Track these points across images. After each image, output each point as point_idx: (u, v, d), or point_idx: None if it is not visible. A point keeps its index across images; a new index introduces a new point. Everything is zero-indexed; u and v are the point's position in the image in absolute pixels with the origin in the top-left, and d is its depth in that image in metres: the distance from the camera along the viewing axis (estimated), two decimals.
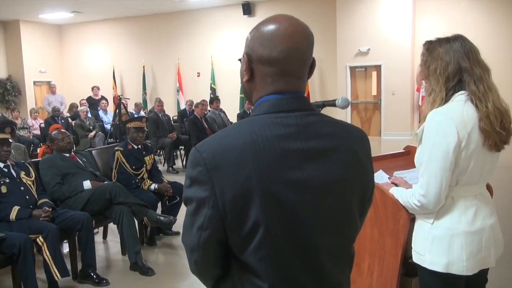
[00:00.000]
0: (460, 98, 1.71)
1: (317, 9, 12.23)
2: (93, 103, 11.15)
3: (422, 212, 1.77)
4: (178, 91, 14.30)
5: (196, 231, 1.00)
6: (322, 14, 12.34)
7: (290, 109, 1.02)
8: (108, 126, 9.90)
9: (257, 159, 0.95)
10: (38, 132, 9.12)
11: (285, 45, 1.02)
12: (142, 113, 10.09)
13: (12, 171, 3.51)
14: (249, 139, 0.97)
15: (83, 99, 11.15)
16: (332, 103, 1.93)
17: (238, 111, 12.05)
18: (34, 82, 15.10)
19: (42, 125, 9.24)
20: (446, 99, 1.74)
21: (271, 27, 1.04)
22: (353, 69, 11.89)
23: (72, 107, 10.47)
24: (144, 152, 4.59)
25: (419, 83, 2.00)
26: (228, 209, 0.96)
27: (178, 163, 8.73)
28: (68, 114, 10.19)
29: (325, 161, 1.01)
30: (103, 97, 11.77)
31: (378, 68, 11.61)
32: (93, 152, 4.56)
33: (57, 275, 3.21)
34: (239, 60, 1.11)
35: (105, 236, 4.65)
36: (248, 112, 9.07)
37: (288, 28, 1.03)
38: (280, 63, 1.02)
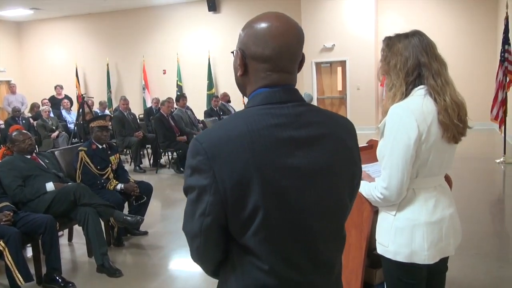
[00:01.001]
0: (419, 93, 1.76)
1: (282, 5, 12.27)
2: (56, 102, 10.85)
3: (385, 205, 1.81)
4: (144, 89, 14.10)
5: (198, 217, 1.05)
6: (286, 10, 12.31)
7: (282, 100, 1.08)
8: (71, 126, 9.67)
9: (253, 147, 1.01)
10: None
11: (276, 43, 1.08)
12: (107, 111, 9.90)
13: None
14: (244, 128, 1.03)
15: (45, 99, 10.83)
16: None
17: (205, 108, 12.00)
18: None
19: (2, 126, 8.93)
20: (406, 94, 1.78)
21: (263, 25, 1.09)
22: (318, 65, 12.02)
23: (34, 107, 10.17)
24: (109, 152, 4.51)
25: (381, 78, 2.04)
26: (229, 195, 1.01)
27: (145, 162, 8.62)
28: (29, 114, 9.88)
29: (316, 148, 1.07)
30: (66, 96, 11.47)
31: (343, 63, 11.78)
32: (56, 152, 4.44)
33: (20, 281, 3.12)
34: (232, 52, 1.17)
35: (70, 238, 4.55)
36: (215, 109, 9.04)
37: (279, 27, 1.09)
38: (272, 60, 1.09)
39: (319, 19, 11.68)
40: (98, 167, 4.36)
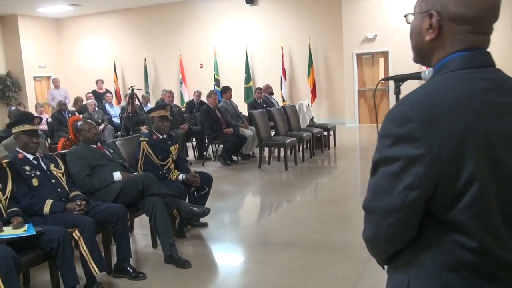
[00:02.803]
0: None
1: None
2: (98, 96, 10.94)
3: None
4: (181, 83, 14.13)
5: (402, 191, 0.97)
6: (327, 1, 12.18)
7: (482, 64, 1.02)
8: (115, 119, 9.74)
9: (468, 113, 0.95)
10: (45, 127, 8.92)
11: (483, 2, 1.01)
12: (149, 105, 9.91)
13: (42, 163, 3.37)
14: (455, 93, 0.97)
15: (89, 93, 10.96)
16: (417, 76, 1.81)
17: (243, 102, 11.94)
18: (34, 78, 14.87)
19: (49, 119, 9.06)
20: None
21: None
22: (359, 56, 11.77)
23: (77, 101, 10.28)
24: (169, 142, 4.46)
25: None
26: (444, 166, 0.94)
27: (190, 155, 8.58)
28: (73, 108, 9.99)
29: None
30: (107, 90, 11.58)
31: (385, 54, 11.49)
32: (117, 143, 4.42)
33: (95, 270, 3.08)
34: (405, 16, 1.12)
35: (131, 229, 4.52)
36: (259, 101, 8.94)
37: None
38: (475, 20, 1.01)
39: (360, 9, 11.42)
40: (160, 158, 4.31)
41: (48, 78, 15.21)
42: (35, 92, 14.81)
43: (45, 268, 3.51)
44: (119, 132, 8.58)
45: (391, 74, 11.44)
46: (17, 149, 3.35)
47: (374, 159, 1.03)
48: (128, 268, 3.46)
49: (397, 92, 1.85)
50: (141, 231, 4.47)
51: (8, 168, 3.13)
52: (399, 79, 1.85)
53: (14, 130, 3.33)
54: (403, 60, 11.20)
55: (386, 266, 1.16)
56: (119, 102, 13.73)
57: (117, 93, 14.26)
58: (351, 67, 11.78)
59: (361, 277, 3.25)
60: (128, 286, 3.34)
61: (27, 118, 3.42)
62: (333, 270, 3.42)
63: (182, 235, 4.28)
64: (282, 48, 12.71)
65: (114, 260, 3.51)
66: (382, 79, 2.19)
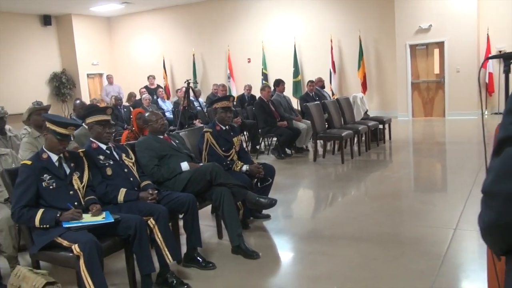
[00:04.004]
0: None
1: None
2: (150, 92, 11.16)
3: None
4: (229, 77, 14.18)
5: None
6: None
7: None
8: (167, 114, 9.88)
9: None
10: None
11: None
12: (201, 100, 10.00)
13: (114, 153, 3.42)
14: None
15: (143, 88, 11.19)
16: None
17: (292, 96, 11.82)
18: (88, 75, 15.35)
19: None
20: None
21: None
22: (413, 47, 11.40)
23: (131, 96, 10.51)
24: (231, 133, 4.45)
25: None
26: None
27: None
28: (127, 104, 10.21)
29: None
30: (159, 86, 11.79)
31: (440, 45, 11.08)
32: (180, 134, 4.45)
33: (169, 258, 3.10)
34: None
35: None
36: (311, 94, 8.82)
37: None
38: None
39: None
40: (223, 149, 4.31)
41: (100, 75, 15.67)
42: (88, 89, 15.30)
43: (117, 256, 3.59)
44: (171, 127, 8.71)
45: (447, 65, 11.03)
46: (91, 139, 3.42)
47: (498, 137, 0.90)
48: (198, 258, 3.47)
49: (507, 71, 1.73)
50: (204, 223, 4.47)
51: (84, 157, 3.20)
52: (509, 57, 1.73)
53: (88, 120, 3.40)
54: (459, 50, 10.80)
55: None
56: (168, 98, 13.95)
57: (166, 89, 14.49)
58: (404, 59, 11.44)
59: (439, 272, 3.11)
60: (198, 275, 3.34)
61: (100, 108, 3.49)
62: (407, 264, 3.29)
63: (246, 226, 4.25)
64: (331, 41, 12.50)
65: (183, 250, 3.53)
66: (488, 57, 2.05)
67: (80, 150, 3.26)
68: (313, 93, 8.83)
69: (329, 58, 12.59)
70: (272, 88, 8.21)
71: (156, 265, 3.09)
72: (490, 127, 9.76)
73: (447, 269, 3.18)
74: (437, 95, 11.35)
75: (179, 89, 11.26)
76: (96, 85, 15.65)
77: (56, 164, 2.98)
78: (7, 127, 4.67)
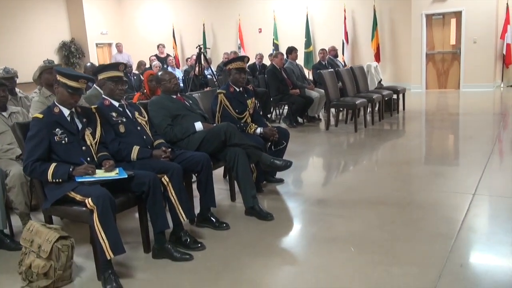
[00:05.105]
0: None
1: None
2: (160, 60, 11.00)
3: None
4: (239, 48, 13.97)
5: None
6: None
7: None
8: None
9: None
10: None
11: None
12: (211, 68, 9.86)
13: (127, 111, 3.34)
14: None
15: (153, 56, 11.05)
16: None
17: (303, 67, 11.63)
18: (97, 44, 15.20)
19: None
20: None
21: None
22: (429, 16, 11.11)
23: (141, 65, 10.38)
24: (245, 95, 4.34)
25: None
26: None
27: None
28: (136, 72, 10.09)
29: None
30: (168, 55, 11.64)
31: (458, 14, 10.78)
32: (194, 95, 4.35)
33: (182, 217, 3.03)
34: None
35: None
36: (324, 62, 8.64)
37: None
38: None
39: None
40: (237, 111, 4.21)
41: (109, 45, 15.52)
42: (97, 59, 15.15)
43: (130, 216, 3.56)
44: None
45: (463, 36, 10.75)
46: (104, 95, 3.33)
47: None
48: (212, 218, 3.42)
49: None
50: (216, 186, 4.40)
51: (97, 114, 3.11)
52: None
53: (100, 76, 3.31)
54: (477, 20, 10.50)
55: None
56: (177, 67, 13.80)
57: (176, 58, 14.31)
58: (419, 29, 11.16)
59: (459, 236, 3.03)
60: (211, 235, 3.30)
61: (113, 64, 3.39)
62: (426, 227, 3.22)
63: (259, 190, 4.18)
64: (344, 10, 12.22)
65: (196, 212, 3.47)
66: None
67: (93, 106, 3.18)
68: (326, 61, 8.65)
69: (342, 28, 12.32)
70: (285, 55, 8.04)
71: (170, 224, 3.04)
72: (506, 100, 9.56)
73: (467, 232, 3.10)
74: (452, 66, 11.10)
75: (189, 58, 11.12)
76: (105, 55, 15.50)
77: (68, 118, 2.90)
78: (17, 89, 4.61)
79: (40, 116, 2.82)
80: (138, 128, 3.32)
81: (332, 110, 7.33)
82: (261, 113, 7.96)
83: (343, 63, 11.38)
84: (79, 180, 2.72)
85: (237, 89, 4.27)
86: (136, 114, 3.38)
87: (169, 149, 3.28)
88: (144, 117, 3.45)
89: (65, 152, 2.82)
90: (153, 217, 2.91)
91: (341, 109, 7.49)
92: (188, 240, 3.05)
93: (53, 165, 2.74)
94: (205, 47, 14.20)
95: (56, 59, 14.46)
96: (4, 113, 3.64)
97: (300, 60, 12.48)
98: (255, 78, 8.75)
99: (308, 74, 10.20)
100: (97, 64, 14.48)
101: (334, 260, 2.79)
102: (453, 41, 10.96)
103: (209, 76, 8.94)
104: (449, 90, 11.14)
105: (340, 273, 2.62)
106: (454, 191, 3.99)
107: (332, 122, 7.32)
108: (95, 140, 3.01)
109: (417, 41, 11.22)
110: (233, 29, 14.16)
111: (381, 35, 12.00)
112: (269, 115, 8.03)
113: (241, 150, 3.56)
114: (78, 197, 2.66)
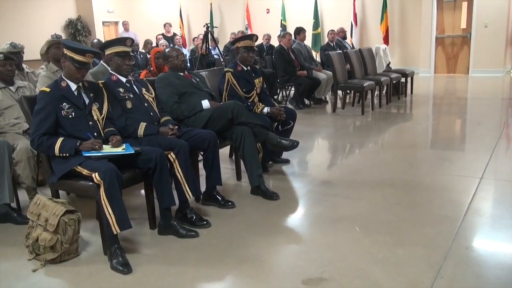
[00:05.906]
0: None
1: None
2: (167, 40, 10.92)
3: None
4: (246, 29, 13.84)
5: None
6: None
7: None
8: None
9: None
10: None
11: None
12: (217, 49, 9.77)
13: (134, 87, 3.31)
14: None
15: (159, 34, 10.97)
16: None
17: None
18: (103, 23, 15.09)
19: None
20: None
21: None
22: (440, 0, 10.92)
23: (147, 43, 10.30)
24: (253, 74, 4.30)
25: None
26: None
27: None
28: (143, 51, 10.03)
29: None
30: (175, 34, 11.55)
31: None
32: (201, 73, 4.31)
33: (189, 194, 3.03)
34: None
35: None
36: (332, 44, 8.54)
37: None
38: None
39: None
40: (244, 90, 4.18)
41: (116, 23, 15.41)
42: (104, 37, 15.05)
43: (135, 193, 3.56)
44: None
45: (474, 20, 10.59)
46: (110, 71, 3.31)
47: None
48: (217, 196, 3.42)
49: None
50: (222, 165, 4.39)
51: (104, 89, 3.09)
52: None
53: (108, 52, 3.27)
54: (489, 4, 10.32)
55: None
56: (184, 47, 13.71)
57: (182, 38, 14.20)
58: (430, 12, 10.99)
59: (465, 218, 3.02)
60: (217, 213, 3.31)
61: (120, 39, 3.35)
62: (432, 209, 3.21)
63: (265, 169, 4.18)
64: None
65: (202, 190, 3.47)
66: None
67: (100, 82, 3.16)
68: (334, 43, 8.55)
69: (351, 10, 12.16)
70: (293, 36, 7.95)
71: (176, 201, 3.04)
72: None
73: (473, 215, 3.09)
74: (462, 51, 10.96)
75: (195, 37, 11.03)
76: (112, 33, 15.40)
77: (75, 93, 2.88)
78: (23, 65, 4.58)
79: (47, 89, 2.81)
80: (145, 104, 3.30)
81: (339, 92, 7.27)
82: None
83: (351, 45, 11.29)
84: (86, 154, 2.72)
85: (245, 68, 4.23)
86: (143, 90, 3.36)
87: (176, 127, 3.27)
88: (151, 94, 3.42)
89: (72, 126, 2.81)
90: (159, 194, 2.91)
91: (349, 91, 7.44)
92: (194, 217, 3.06)
93: (60, 140, 2.74)
94: (212, 27, 14.17)
95: (62, 37, 14.36)
96: (11, 88, 3.64)
97: (308, 42, 12.38)
98: (262, 59, 8.67)
99: (316, 56, 10.10)
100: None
101: (339, 240, 2.79)
102: (463, 25, 10.80)
103: (216, 56, 8.87)
104: (458, 74, 11.03)
105: (345, 252, 2.62)
106: (461, 175, 3.97)
107: (339, 105, 7.27)
108: (102, 115, 2.99)
109: (427, 24, 11.07)
110: (240, 9, 14.01)
111: (390, 18, 11.84)
112: (275, 96, 7.98)
113: (248, 128, 3.55)
114: (85, 172, 2.66)
